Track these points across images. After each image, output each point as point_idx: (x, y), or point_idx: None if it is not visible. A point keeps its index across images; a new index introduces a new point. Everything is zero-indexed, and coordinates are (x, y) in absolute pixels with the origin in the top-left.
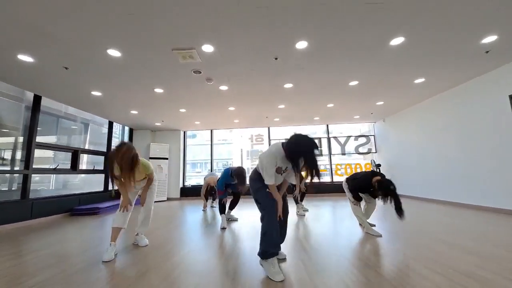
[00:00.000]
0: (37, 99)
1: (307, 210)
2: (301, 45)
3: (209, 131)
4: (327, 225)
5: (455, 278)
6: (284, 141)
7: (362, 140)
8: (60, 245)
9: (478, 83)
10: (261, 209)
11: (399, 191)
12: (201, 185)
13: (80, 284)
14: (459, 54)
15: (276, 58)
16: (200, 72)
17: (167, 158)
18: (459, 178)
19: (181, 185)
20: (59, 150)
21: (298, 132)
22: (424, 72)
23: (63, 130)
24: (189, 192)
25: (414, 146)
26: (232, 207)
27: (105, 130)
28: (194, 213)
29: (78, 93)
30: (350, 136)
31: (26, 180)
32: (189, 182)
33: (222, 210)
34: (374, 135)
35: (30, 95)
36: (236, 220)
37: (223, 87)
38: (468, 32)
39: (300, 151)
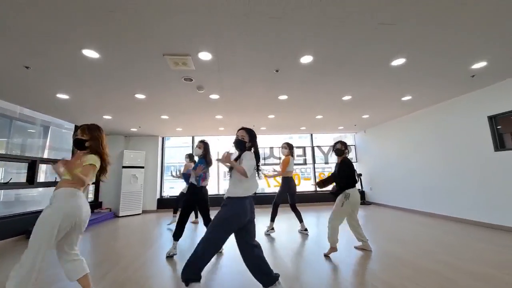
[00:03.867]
0: None
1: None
2: (306, 59)
3: (191, 137)
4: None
5: None
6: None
7: None
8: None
9: (460, 102)
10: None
11: (380, 200)
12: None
13: None
14: (447, 76)
15: (277, 70)
16: (192, 80)
17: (143, 167)
18: (440, 190)
19: (158, 196)
20: (12, 161)
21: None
22: (412, 90)
23: (18, 133)
24: (167, 203)
25: (396, 157)
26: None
27: (66, 132)
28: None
29: (38, 95)
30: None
31: None
32: (167, 191)
33: (178, 235)
34: (355, 145)
35: None
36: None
37: (214, 96)
38: (461, 58)
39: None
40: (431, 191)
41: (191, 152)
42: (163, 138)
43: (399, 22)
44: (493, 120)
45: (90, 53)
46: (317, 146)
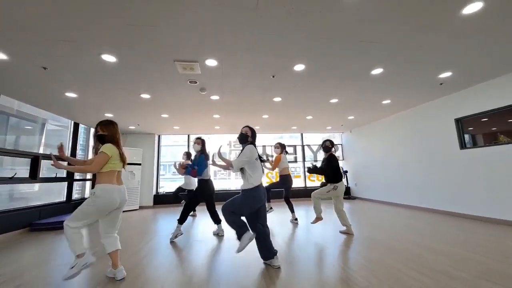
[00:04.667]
0: None
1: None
2: (299, 67)
3: (186, 135)
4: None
5: (439, 279)
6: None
7: None
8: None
9: (431, 106)
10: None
11: (364, 195)
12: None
13: None
14: (419, 84)
15: (273, 76)
16: (196, 82)
17: (140, 164)
18: (415, 185)
19: (154, 192)
20: (16, 156)
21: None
22: (390, 95)
23: (14, 130)
24: (163, 199)
25: (377, 155)
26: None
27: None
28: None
29: (47, 93)
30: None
31: None
32: (163, 189)
33: (183, 219)
34: (341, 144)
35: None
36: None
37: (215, 97)
38: (430, 69)
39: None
40: (408, 185)
41: (187, 150)
42: (159, 136)
43: (376, 39)
44: (459, 122)
45: (108, 58)
46: (307, 145)
